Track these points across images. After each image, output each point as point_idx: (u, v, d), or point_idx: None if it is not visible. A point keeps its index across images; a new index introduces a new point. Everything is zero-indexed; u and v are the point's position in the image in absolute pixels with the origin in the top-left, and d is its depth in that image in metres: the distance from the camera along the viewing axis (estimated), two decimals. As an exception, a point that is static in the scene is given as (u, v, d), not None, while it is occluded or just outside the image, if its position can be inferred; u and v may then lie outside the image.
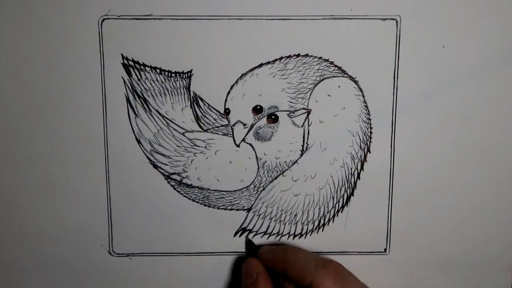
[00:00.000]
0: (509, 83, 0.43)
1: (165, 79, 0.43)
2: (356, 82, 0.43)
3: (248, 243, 0.46)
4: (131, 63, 0.43)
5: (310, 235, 0.46)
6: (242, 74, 0.43)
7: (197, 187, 0.45)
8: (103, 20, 0.42)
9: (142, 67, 0.43)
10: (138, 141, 0.44)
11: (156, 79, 0.43)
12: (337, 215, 0.46)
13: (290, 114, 0.44)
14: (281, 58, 0.43)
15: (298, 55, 0.43)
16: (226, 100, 0.43)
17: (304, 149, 0.44)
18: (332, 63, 0.43)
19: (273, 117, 0.44)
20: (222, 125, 0.44)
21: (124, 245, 0.46)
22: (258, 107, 0.43)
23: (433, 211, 0.45)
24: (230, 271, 0.47)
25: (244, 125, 0.44)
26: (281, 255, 0.42)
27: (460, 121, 0.44)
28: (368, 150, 0.44)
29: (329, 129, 0.44)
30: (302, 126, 0.44)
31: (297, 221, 0.46)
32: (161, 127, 0.44)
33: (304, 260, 0.40)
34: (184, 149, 0.44)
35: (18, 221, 0.46)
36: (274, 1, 0.42)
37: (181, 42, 0.42)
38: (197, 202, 0.45)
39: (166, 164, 0.45)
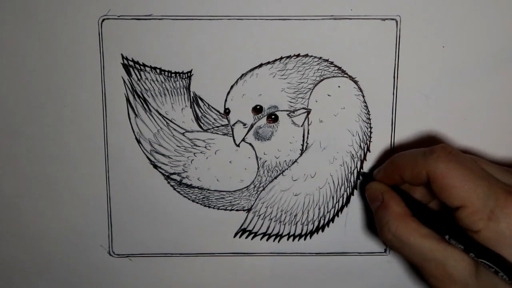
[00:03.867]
0: (509, 83, 0.43)
1: (165, 79, 0.43)
2: (356, 82, 0.43)
3: (363, 174, 0.44)
4: (131, 63, 0.43)
5: (310, 236, 0.46)
6: (242, 74, 0.43)
7: (197, 187, 0.45)
8: (103, 20, 0.42)
9: (142, 67, 0.43)
10: (138, 141, 0.44)
11: (156, 79, 0.43)
12: (337, 216, 0.46)
13: (290, 114, 0.44)
14: (281, 58, 0.43)
15: (298, 55, 0.43)
16: (226, 100, 0.43)
17: (304, 149, 0.44)
18: (332, 63, 0.43)
19: (273, 117, 0.44)
20: (222, 125, 0.44)
21: (124, 245, 0.46)
22: (258, 107, 0.43)
23: (433, 211, 0.45)
24: (230, 272, 0.47)
25: (244, 125, 0.44)
26: (391, 166, 0.40)
27: (460, 121, 0.44)
28: (368, 150, 0.44)
29: (329, 129, 0.44)
30: (302, 126, 0.44)
31: (297, 222, 0.46)
32: (161, 127, 0.44)
33: (412, 158, 0.37)
34: (184, 149, 0.44)
35: (18, 221, 0.46)
36: (274, 1, 0.42)
37: (181, 42, 0.42)
38: (197, 202, 0.45)
39: (166, 164, 0.45)
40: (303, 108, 0.44)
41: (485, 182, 0.35)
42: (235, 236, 0.46)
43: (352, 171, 0.45)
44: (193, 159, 0.45)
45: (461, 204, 0.35)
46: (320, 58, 0.43)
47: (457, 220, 0.35)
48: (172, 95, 0.44)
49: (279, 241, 0.46)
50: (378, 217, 0.39)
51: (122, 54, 0.43)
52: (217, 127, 0.44)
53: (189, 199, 0.45)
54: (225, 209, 0.46)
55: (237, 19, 0.42)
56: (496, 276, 0.34)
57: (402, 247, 0.37)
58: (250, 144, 0.44)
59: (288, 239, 0.46)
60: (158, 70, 0.43)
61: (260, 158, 0.45)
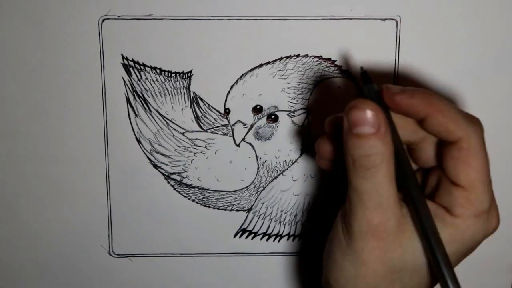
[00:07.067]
0: (509, 84, 0.43)
1: (165, 79, 0.43)
2: (356, 82, 0.43)
3: (365, 77, 0.35)
4: (131, 63, 0.43)
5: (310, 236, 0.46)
6: (242, 74, 0.43)
7: (197, 187, 0.45)
8: (103, 20, 0.42)
9: (142, 67, 0.43)
10: (138, 141, 0.44)
11: (156, 79, 0.43)
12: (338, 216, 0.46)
13: (290, 114, 0.44)
14: (281, 58, 0.43)
15: (298, 55, 0.43)
16: (226, 100, 0.43)
17: (304, 149, 0.44)
18: (332, 63, 0.43)
19: (273, 117, 0.44)
20: (222, 125, 0.44)
21: (124, 245, 0.46)
22: (258, 107, 0.44)
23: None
24: (230, 272, 0.47)
25: (244, 125, 0.44)
26: (423, 99, 0.32)
27: (460, 121, 0.44)
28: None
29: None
30: (302, 126, 0.44)
31: (297, 222, 0.46)
32: (161, 127, 0.44)
33: (453, 111, 0.32)
34: (184, 149, 0.44)
35: (17, 222, 0.45)
36: (274, 1, 0.42)
37: (181, 42, 0.42)
38: (197, 202, 0.45)
39: (166, 164, 0.45)
40: (303, 108, 0.44)
41: (491, 189, 0.34)
42: (235, 236, 0.46)
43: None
44: (193, 159, 0.45)
45: (465, 186, 0.33)
46: (320, 58, 0.43)
47: (445, 193, 0.33)
48: (172, 95, 0.44)
49: (279, 241, 0.46)
50: (363, 144, 0.32)
51: (122, 54, 0.43)
52: (217, 127, 0.44)
53: (189, 199, 0.45)
54: (225, 209, 0.46)
55: (237, 19, 0.42)
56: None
57: (364, 180, 0.33)
58: (250, 144, 0.44)
59: (288, 239, 0.46)
60: (158, 70, 0.43)
61: (260, 158, 0.45)
